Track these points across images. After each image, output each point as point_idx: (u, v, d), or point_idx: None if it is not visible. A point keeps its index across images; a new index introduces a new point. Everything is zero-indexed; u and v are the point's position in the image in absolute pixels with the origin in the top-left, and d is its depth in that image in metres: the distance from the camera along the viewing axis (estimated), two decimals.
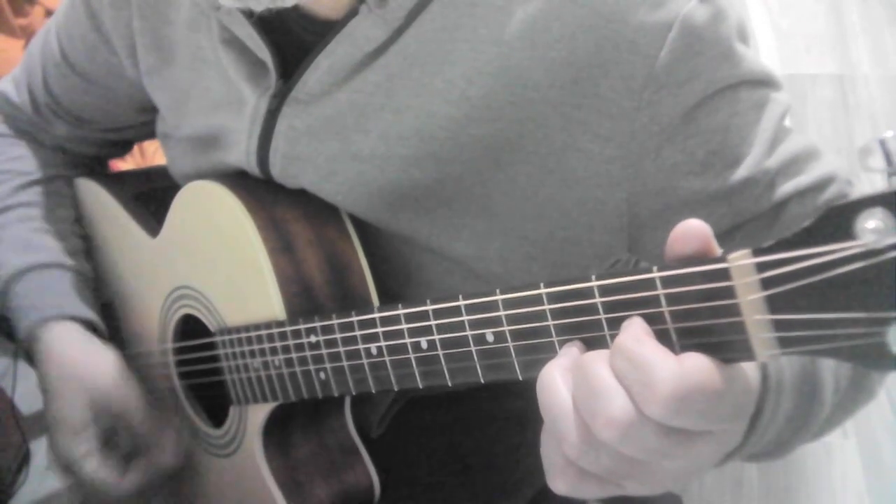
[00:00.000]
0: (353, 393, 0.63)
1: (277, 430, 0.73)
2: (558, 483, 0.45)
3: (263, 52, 0.67)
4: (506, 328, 0.51)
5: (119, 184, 0.91)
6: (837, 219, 0.37)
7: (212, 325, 0.75)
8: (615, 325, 0.45)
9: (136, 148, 1.11)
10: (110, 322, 0.88)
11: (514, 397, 0.84)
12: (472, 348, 0.53)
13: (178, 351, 0.81)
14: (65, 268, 0.85)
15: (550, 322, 0.48)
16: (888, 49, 2.20)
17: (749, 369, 0.44)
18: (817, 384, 0.55)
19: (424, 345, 0.56)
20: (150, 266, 0.83)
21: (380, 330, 0.59)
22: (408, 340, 0.57)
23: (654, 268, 0.43)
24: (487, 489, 0.82)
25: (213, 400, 0.81)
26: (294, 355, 0.66)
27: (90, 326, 0.83)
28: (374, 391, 0.62)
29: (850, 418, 0.62)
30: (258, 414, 0.72)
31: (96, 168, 0.96)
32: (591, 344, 0.47)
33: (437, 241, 0.67)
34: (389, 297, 0.70)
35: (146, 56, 0.78)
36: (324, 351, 0.64)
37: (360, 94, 0.65)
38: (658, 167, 0.61)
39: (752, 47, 0.62)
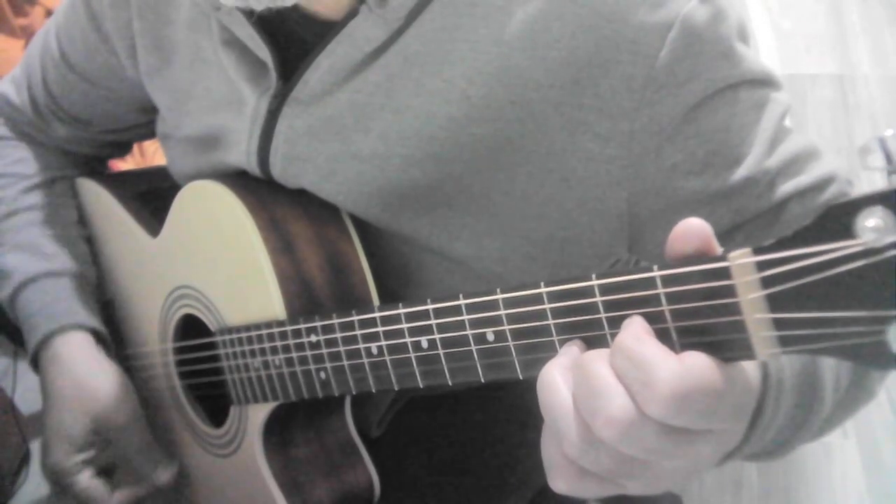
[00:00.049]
0: (354, 392, 0.63)
1: (278, 430, 0.73)
2: (558, 482, 0.45)
3: (264, 52, 0.67)
4: (506, 327, 0.51)
5: (120, 184, 0.91)
6: (837, 217, 0.37)
7: (212, 324, 0.75)
8: (615, 324, 0.45)
9: (136, 148, 1.12)
10: (110, 321, 0.88)
11: (514, 397, 0.84)
12: (473, 347, 0.53)
13: (179, 350, 0.81)
14: (74, 276, 0.85)
15: (551, 321, 0.48)
16: (888, 49, 2.20)
17: (749, 368, 0.44)
18: (818, 383, 0.55)
19: (425, 344, 0.56)
20: (150, 266, 0.83)
21: (380, 329, 0.59)
22: (408, 340, 0.57)
23: (655, 267, 0.43)
24: (487, 489, 0.82)
25: (214, 400, 0.81)
26: (294, 355, 0.66)
27: (95, 334, 0.83)
28: (374, 391, 0.62)
29: (851, 418, 0.62)
30: (258, 414, 0.72)
31: (97, 168, 0.96)
32: (592, 343, 0.47)
33: (437, 240, 0.67)
34: (389, 296, 0.70)
35: (146, 56, 0.78)
36: (324, 350, 0.64)
37: (361, 94, 0.65)
38: (658, 167, 0.61)
39: (752, 47, 0.62)
